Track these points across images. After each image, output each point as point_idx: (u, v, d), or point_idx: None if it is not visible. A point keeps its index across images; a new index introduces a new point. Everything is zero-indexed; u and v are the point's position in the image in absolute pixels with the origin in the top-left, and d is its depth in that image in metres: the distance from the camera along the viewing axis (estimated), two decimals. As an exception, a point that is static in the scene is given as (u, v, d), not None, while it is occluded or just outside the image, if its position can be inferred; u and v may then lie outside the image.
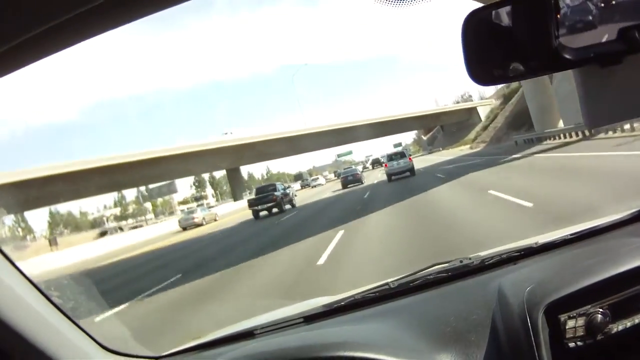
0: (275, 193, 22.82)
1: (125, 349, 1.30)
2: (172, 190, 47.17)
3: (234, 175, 46.71)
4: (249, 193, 37.58)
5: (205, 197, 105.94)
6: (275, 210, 22.63)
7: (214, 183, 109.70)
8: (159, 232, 31.58)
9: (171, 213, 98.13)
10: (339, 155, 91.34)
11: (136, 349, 1.39)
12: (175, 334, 5.12)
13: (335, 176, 61.39)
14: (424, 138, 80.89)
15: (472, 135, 55.08)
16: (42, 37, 0.76)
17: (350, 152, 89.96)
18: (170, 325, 5.76)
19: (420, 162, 34.27)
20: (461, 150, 44.85)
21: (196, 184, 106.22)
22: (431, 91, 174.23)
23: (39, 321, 1.01)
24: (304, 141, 46.11)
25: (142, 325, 6.23)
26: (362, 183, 28.46)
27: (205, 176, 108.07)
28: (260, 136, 43.04)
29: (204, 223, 29.58)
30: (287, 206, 23.59)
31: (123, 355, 1.28)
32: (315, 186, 51.18)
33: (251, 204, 23.38)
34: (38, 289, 1.06)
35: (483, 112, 58.30)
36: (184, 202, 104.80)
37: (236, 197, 45.84)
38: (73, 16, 0.72)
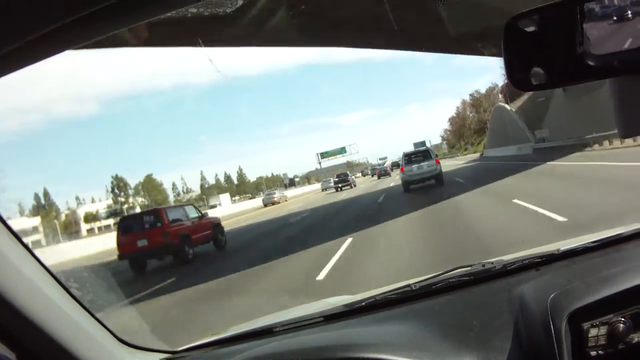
0: (348, 178, 42.09)
1: (142, 343, 1.30)
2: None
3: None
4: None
5: (132, 207, 72.49)
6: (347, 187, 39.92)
7: (145, 187, 76.24)
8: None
9: (75, 233, 65.27)
10: (322, 155, 63.60)
11: (153, 343, 1.39)
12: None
13: (362, 175, 73.23)
14: (508, 107, 34.66)
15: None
16: (68, 29, 0.77)
17: (343, 150, 62.29)
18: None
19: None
20: None
21: (114, 189, 72.63)
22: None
23: (56, 312, 1.01)
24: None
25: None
26: (390, 176, 45.24)
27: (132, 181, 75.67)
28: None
29: (280, 202, 40.18)
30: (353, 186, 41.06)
31: (139, 349, 1.28)
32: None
33: (335, 182, 42.30)
34: (57, 280, 1.06)
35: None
36: (91, 218, 70.90)
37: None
38: (96, 10, 0.74)
